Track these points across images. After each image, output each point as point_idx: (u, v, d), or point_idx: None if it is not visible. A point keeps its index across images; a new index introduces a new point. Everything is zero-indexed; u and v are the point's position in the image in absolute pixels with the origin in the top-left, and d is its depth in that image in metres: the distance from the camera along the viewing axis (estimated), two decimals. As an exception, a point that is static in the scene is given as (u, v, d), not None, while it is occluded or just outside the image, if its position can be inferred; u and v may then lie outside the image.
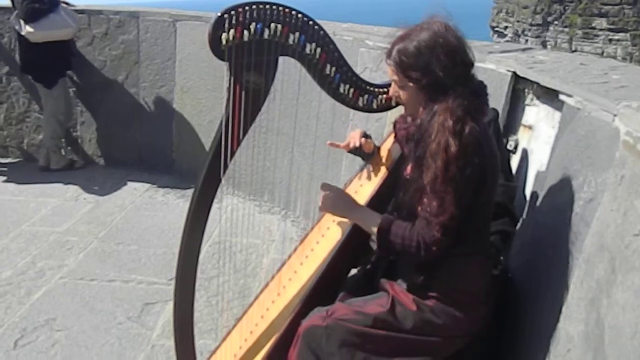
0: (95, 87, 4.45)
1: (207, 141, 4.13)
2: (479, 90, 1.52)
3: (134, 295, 2.80)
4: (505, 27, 33.14)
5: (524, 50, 2.55)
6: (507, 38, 31.61)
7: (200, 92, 4.19)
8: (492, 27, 34.43)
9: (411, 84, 1.50)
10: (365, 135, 1.95)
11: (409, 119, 1.64)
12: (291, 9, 1.49)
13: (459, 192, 1.40)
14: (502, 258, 1.91)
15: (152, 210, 3.82)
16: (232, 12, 1.42)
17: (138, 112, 4.41)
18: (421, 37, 1.46)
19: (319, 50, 1.58)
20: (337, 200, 1.67)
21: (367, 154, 1.96)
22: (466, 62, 1.48)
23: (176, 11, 4.31)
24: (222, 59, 1.45)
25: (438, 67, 1.43)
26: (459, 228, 1.44)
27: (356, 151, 1.96)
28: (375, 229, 1.55)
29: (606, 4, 28.14)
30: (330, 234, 1.91)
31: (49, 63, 4.14)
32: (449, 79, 1.44)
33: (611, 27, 28.25)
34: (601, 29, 28.54)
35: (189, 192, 4.00)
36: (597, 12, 28.45)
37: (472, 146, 1.40)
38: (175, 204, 3.91)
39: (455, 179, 1.39)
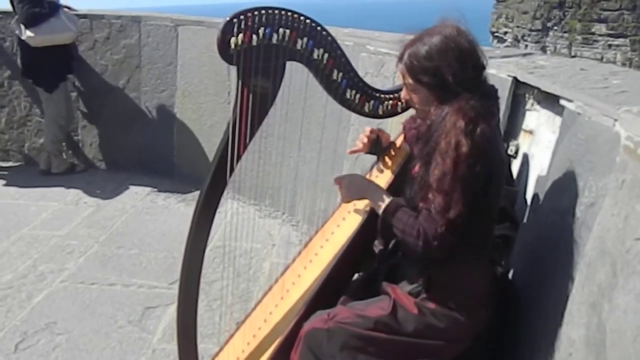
0: (96, 92, 4.47)
1: (208, 145, 4.13)
2: (490, 93, 1.54)
3: (135, 299, 2.80)
4: (505, 33, 33.14)
5: (524, 55, 2.56)
6: (506, 43, 31.60)
7: (201, 96, 4.20)
8: (492, 33, 34.44)
9: (422, 88, 1.51)
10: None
11: (419, 120, 1.64)
12: (299, 15, 1.51)
13: (467, 191, 1.40)
14: (503, 262, 1.92)
15: (153, 214, 3.82)
16: (241, 17, 1.44)
17: (139, 117, 4.42)
18: (433, 41, 1.47)
19: (326, 55, 1.59)
20: (351, 187, 1.70)
21: (381, 150, 1.98)
22: (477, 65, 1.49)
23: (178, 16, 4.32)
24: (231, 63, 1.47)
25: (449, 71, 1.44)
26: (464, 228, 1.43)
27: (371, 148, 1.98)
28: (382, 207, 1.56)
29: (605, 10, 28.16)
30: (334, 238, 1.91)
31: (50, 67, 4.15)
32: (460, 82, 1.44)
33: (610, 32, 28.26)
34: (600, 35, 28.55)
35: (190, 196, 4.06)
36: (596, 17, 28.46)
37: (483, 146, 1.41)
38: (176, 208, 3.91)
39: (464, 178, 1.39)
